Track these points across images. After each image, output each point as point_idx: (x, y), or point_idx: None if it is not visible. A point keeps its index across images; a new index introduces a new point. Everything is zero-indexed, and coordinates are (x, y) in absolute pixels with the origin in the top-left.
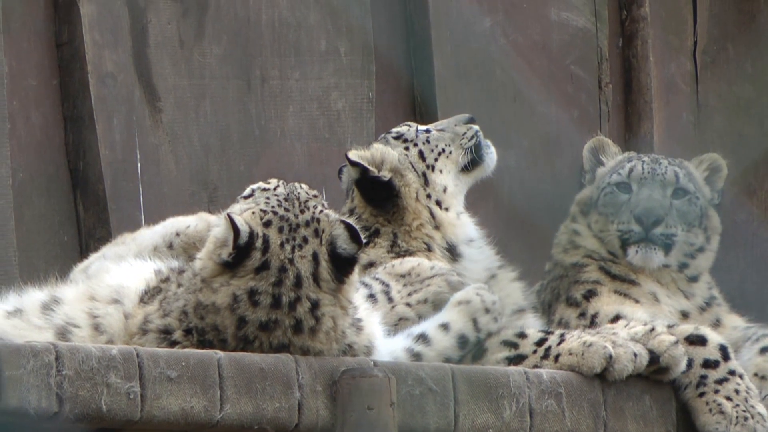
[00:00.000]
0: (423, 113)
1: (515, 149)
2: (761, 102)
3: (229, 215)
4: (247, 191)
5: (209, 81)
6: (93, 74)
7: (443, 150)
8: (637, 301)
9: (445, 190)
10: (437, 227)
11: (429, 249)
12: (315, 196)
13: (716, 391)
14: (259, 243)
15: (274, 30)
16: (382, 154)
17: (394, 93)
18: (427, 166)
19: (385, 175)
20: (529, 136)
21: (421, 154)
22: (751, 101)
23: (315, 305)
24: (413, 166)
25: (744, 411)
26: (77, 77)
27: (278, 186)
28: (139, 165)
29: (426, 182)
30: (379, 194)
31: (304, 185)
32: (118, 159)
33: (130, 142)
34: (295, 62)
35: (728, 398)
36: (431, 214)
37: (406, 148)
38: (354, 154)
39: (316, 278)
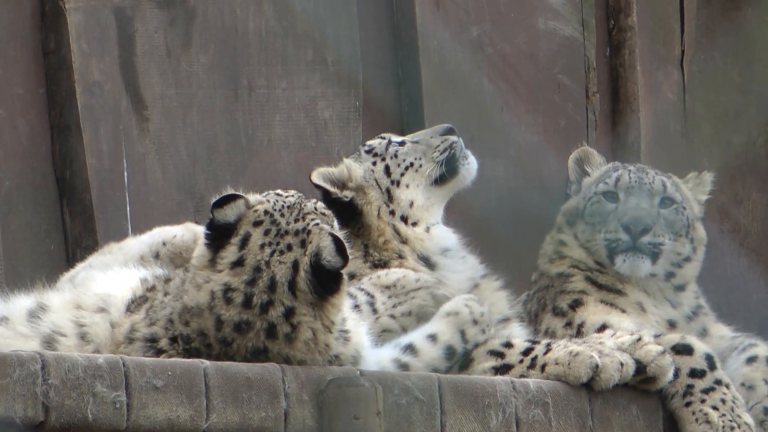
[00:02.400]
0: (410, 123)
1: (503, 158)
2: (748, 111)
3: (224, 196)
4: (266, 193)
5: (196, 90)
6: (80, 83)
7: (411, 164)
8: (623, 311)
9: (411, 205)
10: (404, 242)
11: (401, 257)
12: (324, 214)
13: (702, 401)
14: (236, 239)
15: (261, 39)
16: (349, 171)
17: (382, 102)
18: (392, 182)
19: (347, 194)
20: (516, 146)
21: (387, 170)
22: (738, 110)
23: (289, 312)
24: (377, 183)
25: (730, 421)
26: (64, 86)
27: (291, 196)
28: (125, 174)
29: (390, 198)
30: (344, 213)
31: (320, 203)
32: (104, 168)
33: (116, 151)
34: (282, 71)
35: (714, 408)
36: (395, 230)
37: (374, 163)
38: (317, 175)
39: (292, 286)
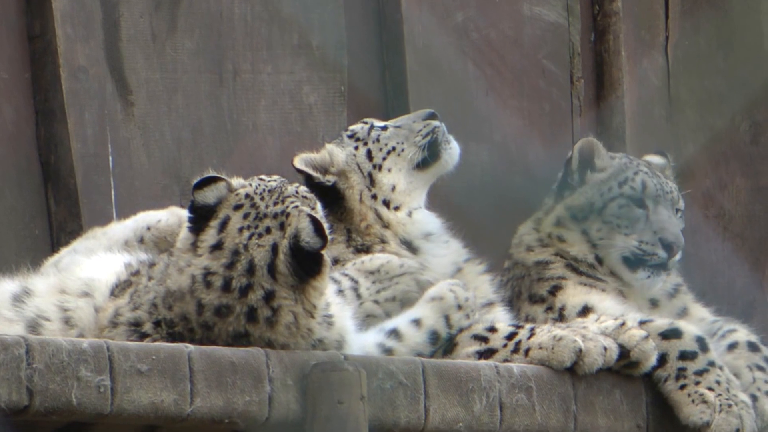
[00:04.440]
0: (395, 108)
1: (487, 143)
2: (732, 96)
3: (205, 178)
4: (251, 178)
5: (181, 75)
6: (65, 68)
7: (393, 148)
8: (603, 290)
9: (393, 189)
10: (386, 226)
11: (383, 242)
12: (305, 197)
13: (697, 383)
14: (215, 222)
15: (246, 24)
16: (331, 155)
17: (367, 87)
18: (374, 166)
19: (330, 179)
20: (501, 131)
21: (369, 154)
22: (722, 96)
23: (269, 296)
24: (359, 167)
25: (727, 399)
26: (49, 71)
27: (273, 180)
28: (110, 158)
29: (372, 182)
30: (327, 198)
31: (302, 187)
32: (89, 153)
33: (101, 135)
34: (267, 56)
35: (710, 389)
36: (377, 214)
37: (356, 148)
38: (299, 160)
39: (271, 269)
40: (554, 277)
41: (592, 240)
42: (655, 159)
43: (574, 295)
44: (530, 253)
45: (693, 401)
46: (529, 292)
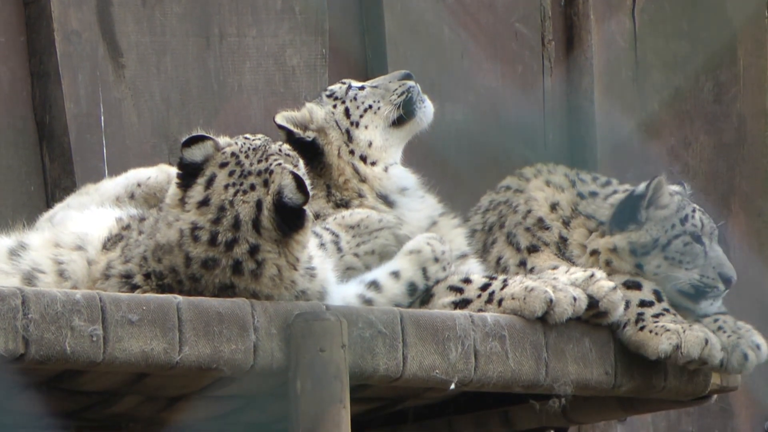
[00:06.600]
0: (374, 69)
1: (462, 104)
2: (696, 58)
3: (193, 136)
4: (236, 137)
5: (170, 38)
6: (59, 32)
7: (370, 106)
8: (574, 264)
9: (370, 145)
10: (363, 180)
11: (361, 196)
12: (288, 155)
13: (655, 322)
14: (202, 179)
15: None
16: (310, 113)
17: (347, 50)
18: (352, 123)
19: (309, 135)
20: (475, 91)
21: (346, 112)
22: (686, 57)
23: (254, 249)
24: (338, 124)
25: (683, 328)
26: (44, 34)
27: (257, 139)
28: (102, 118)
29: (350, 138)
30: (307, 153)
31: (285, 146)
32: (82, 113)
33: (94, 96)
34: (252, 20)
35: (668, 322)
36: (355, 169)
37: (335, 106)
38: (281, 117)
39: (256, 224)
40: (540, 238)
41: (645, 274)
42: (675, 188)
43: (545, 260)
44: (549, 210)
45: (657, 334)
46: (510, 230)
